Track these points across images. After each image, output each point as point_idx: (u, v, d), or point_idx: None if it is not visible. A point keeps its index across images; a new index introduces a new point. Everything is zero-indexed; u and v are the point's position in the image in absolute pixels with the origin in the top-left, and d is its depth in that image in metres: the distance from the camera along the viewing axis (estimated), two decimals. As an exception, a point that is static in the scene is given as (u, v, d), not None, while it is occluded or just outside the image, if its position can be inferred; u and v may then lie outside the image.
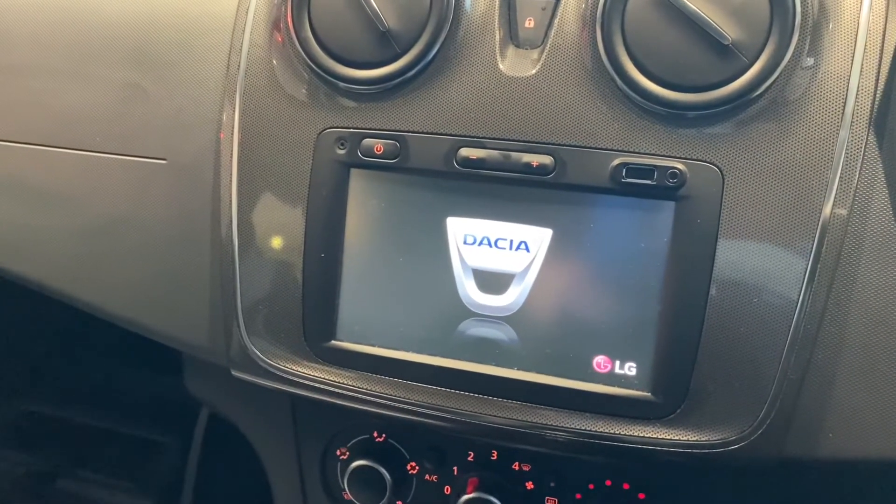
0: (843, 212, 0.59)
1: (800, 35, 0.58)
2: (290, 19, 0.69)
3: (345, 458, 0.84)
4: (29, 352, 1.46)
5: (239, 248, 0.72)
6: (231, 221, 0.72)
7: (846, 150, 0.59)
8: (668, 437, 0.63)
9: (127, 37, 0.78)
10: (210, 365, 0.79)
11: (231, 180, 0.72)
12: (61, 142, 0.80)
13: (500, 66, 0.65)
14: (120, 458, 1.37)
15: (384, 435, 0.82)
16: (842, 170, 0.59)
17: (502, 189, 0.65)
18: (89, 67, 0.79)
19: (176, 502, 1.25)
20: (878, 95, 0.59)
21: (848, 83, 0.59)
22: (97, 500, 1.31)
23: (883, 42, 0.59)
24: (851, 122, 0.58)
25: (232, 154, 0.72)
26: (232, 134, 0.72)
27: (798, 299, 0.60)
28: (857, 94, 0.58)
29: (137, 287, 0.80)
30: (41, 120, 0.81)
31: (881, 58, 0.59)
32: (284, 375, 0.72)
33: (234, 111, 0.72)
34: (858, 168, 0.59)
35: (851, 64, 0.59)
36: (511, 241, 0.66)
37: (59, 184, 0.80)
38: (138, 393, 1.46)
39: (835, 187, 0.59)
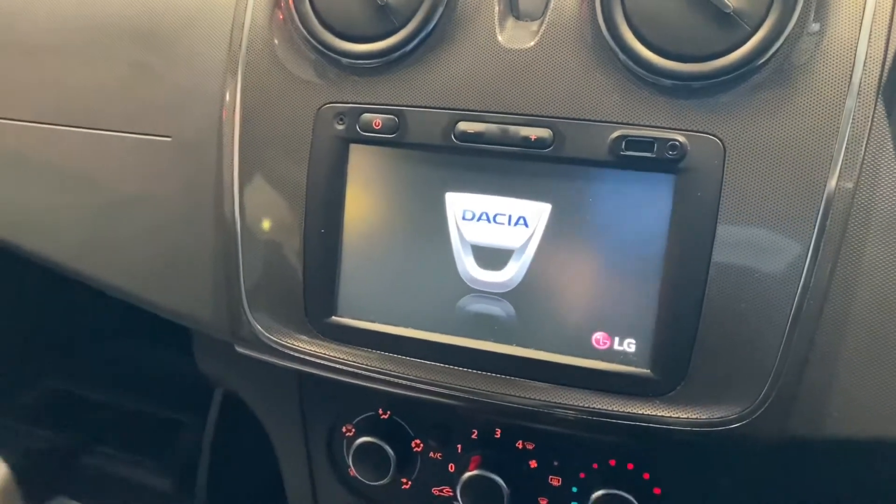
0: (849, 185, 0.57)
1: (805, 0, 0.57)
2: (289, -6, 0.69)
3: (350, 434, 0.84)
4: (54, 331, 1.49)
5: (241, 224, 0.73)
6: (233, 198, 0.73)
7: (853, 120, 0.57)
8: (668, 415, 0.62)
9: (133, 15, 0.78)
10: (218, 342, 0.80)
11: (233, 157, 0.72)
12: (69, 120, 0.81)
13: (499, 39, 0.64)
14: (141, 435, 1.39)
15: (389, 412, 0.82)
16: (848, 141, 0.57)
17: (501, 163, 0.65)
18: (96, 46, 0.79)
19: (193, 479, 1.27)
20: (887, 63, 0.57)
21: (855, 50, 0.57)
22: (119, 477, 1.34)
23: (894, 7, 0.57)
24: (858, 91, 0.56)
25: (234, 131, 0.72)
26: (234, 111, 0.72)
27: (801, 276, 0.58)
28: (864, 62, 0.56)
29: (144, 263, 0.81)
30: (48, 99, 0.82)
31: (891, 24, 0.57)
32: (287, 351, 0.73)
33: (235, 88, 0.72)
34: (865, 139, 0.57)
35: (860, 30, 0.57)
36: (510, 217, 0.65)
37: (66, 161, 0.81)
38: (159, 372, 1.49)
39: (840, 159, 0.57)
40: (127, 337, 1.52)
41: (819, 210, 0.57)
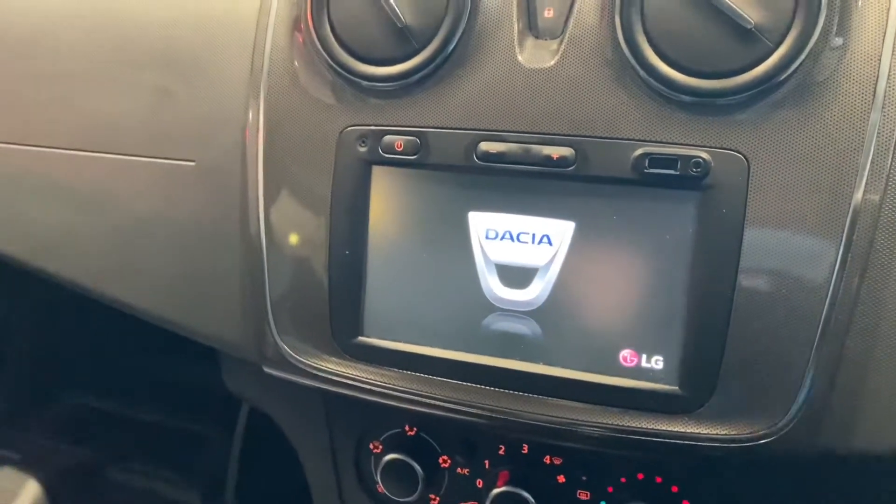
0: (875, 197, 0.57)
1: (827, 14, 0.56)
2: (309, 18, 0.69)
3: (378, 451, 0.85)
4: (80, 347, 1.51)
5: (267, 246, 0.73)
6: (258, 220, 0.73)
7: (878, 133, 0.56)
8: (697, 432, 0.62)
9: (154, 40, 0.79)
10: (244, 361, 0.81)
11: (257, 180, 0.73)
12: (93, 146, 0.82)
13: (519, 58, 0.64)
14: (167, 450, 1.41)
15: (415, 429, 0.82)
16: (873, 154, 0.56)
17: (524, 182, 0.65)
18: (119, 72, 0.81)
19: (220, 494, 1.28)
20: (911, 76, 0.56)
21: (879, 64, 0.56)
22: (145, 491, 1.35)
23: (917, 20, 0.56)
24: (883, 104, 0.56)
25: (258, 154, 0.73)
26: (257, 134, 0.73)
27: (829, 289, 0.58)
28: (888, 75, 0.56)
29: (170, 286, 0.82)
30: (73, 124, 0.83)
31: (915, 36, 0.56)
32: (314, 372, 0.73)
33: (258, 112, 0.73)
34: (891, 152, 0.56)
35: (883, 43, 0.56)
36: (533, 235, 0.65)
37: (91, 186, 0.83)
38: (185, 386, 1.50)
39: (866, 172, 0.57)
40: (152, 351, 1.54)
41: (846, 223, 0.57)
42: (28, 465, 1.30)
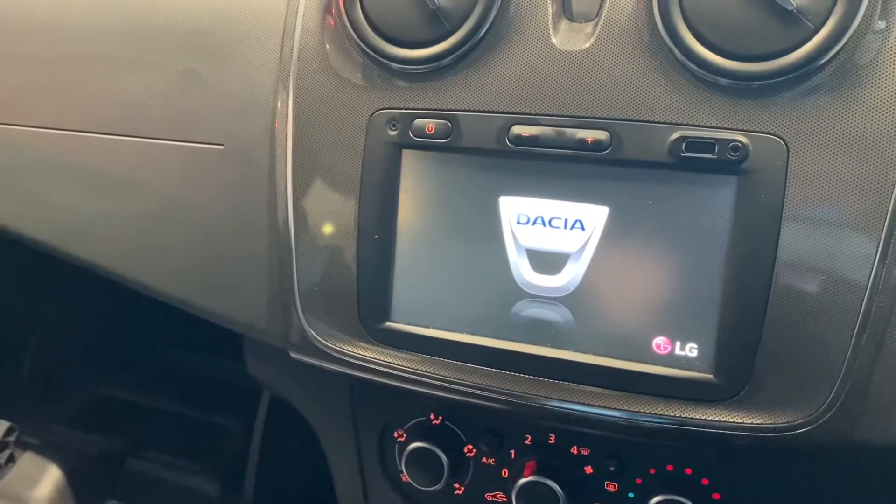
0: (919, 184, 0.56)
1: (871, -3, 0.55)
2: (341, 1, 0.69)
3: (402, 440, 0.84)
4: (104, 338, 1.51)
5: (295, 231, 0.73)
6: (287, 205, 0.73)
7: (921, 117, 0.55)
8: (732, 420, 0.61)
9: (183, 24, 0.79)
10: (268, 347, 0.80)
11: (286, 164, 0.73)
12: (121, 129, 0.82)
13: (553, 41, 0.63)
14: (187, 440, 1.41)
15: (441, 417, 0.82)
16: (917, 138, 0.55)
17: (556, 167, 0.64)
18: (147, 55, 0.80)
19: (240, 483, 1.28)
20: (956, 59, 0.55)
21: (923, 47, 0.55)
22: (165, 481, 1.36)
23: (962, 2, 0.55)
24: (927, 89, 0.55)
25: (287, 138, 0.73)
26: (286, 118, 0.72)
27: (870, 276, 0.57)
28: (933, 59, 0.55)
29: (197, 270, 0.81)
30: (102, 108, 0.83)
31: (960, 19, 0.55)
32: (341, 357, 0.73)
33: (287, 96, 0.72)
34: (935, 137, 0.55)
35: (928, 26, 0.55)
36: (566, 220, 0.64)
37: (119, 170, 0.82)
38: (205, 377, 1.50)
39: (909, 158, 0.56)
40: (174, 342, 1.54)
41: (888, 210, 0.56)
42: (50, 451, 1.31)
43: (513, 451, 0.80)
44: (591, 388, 0.65)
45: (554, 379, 0.66)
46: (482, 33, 0.65)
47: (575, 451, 0.77)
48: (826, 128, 0.57)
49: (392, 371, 0.71)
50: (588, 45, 0.62)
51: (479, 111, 0.66)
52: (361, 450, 0.89)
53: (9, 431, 1.32)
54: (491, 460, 0.81)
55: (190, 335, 1.49)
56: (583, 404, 0.65)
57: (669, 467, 0.74)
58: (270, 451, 1.27)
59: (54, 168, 0.87)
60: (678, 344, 0.62)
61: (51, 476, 1.27)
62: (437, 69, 0.67)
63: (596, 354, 0.65)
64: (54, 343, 1.42)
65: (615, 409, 0.64)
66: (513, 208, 0.66)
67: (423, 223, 0.69)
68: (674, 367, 0.63)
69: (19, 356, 1.38)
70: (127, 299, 0.92)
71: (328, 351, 0.73)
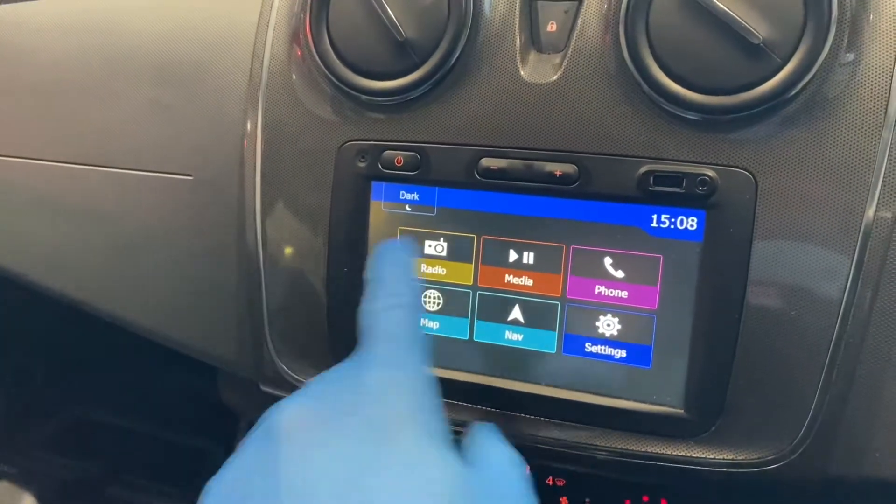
0: (888, 215, 0.55)
1: (837, 29, 0.55)
2: (308, 32, 0.68)
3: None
4: (80, 360, 1.49)
5: (264, 262, 0.72)
6: (256, 237, 0.72)
7: (889, 150, 0.55)
8: (703, 456, 0.61)
9: (151, 54, 0.78)
10: (241, 378, 0.79)
11: (255, 195, 0.72)
12: (88, 159, 0.81)
13: (522, 73, 0.63)
14: (166, 464, 1.39)
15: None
16: (885, 172, 0.55)
17: (525, 203, 0.63)
18: (115, 85, 0.79)
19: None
20: (923, 92, 0.55)
21: (891, 80, 0.55)
22: (144, 506, 1.34)
23: (929, 35, 0.55)
24: (895, 121, 0.55)
25: (255, 169, 0.72)
26: (255, 148, 0.72)
27: (840, 310, 0.56)
28: (901, 92, 0.55)
29: (167, 301, 0.80)
30: (69, 138, 0.82)
31: (927, 52, 0.55)
32: (311, 390, 0.72)
33: (256, 126, 0.71)
34: (904, 170, 0.55)
35: (895, 59, 0.55)
36: (533, 255, 0.64)
37: (87, 200, 0.81)
38: (184, 401, 1.48)
39: (878, 191, 0.55)
40: (153, 366, 1.52)
41: (857, 242, 0.56)
42: (25, 478, 1.29)
43: (488, 483, 0.79)
44: (561, 423, 0.64)
45: (524, 413, 0.65)
46: (450, 65, 0.64)
47: (550, 483, 0.76)
48: (794, 161, 0.57)
49: (363, 404, 0.70)
50: (556, 77, 0.62)
51: (447, 143, 0.65)
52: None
53: (-19, 459, 1.30)
54: (466, 491, 0.80)
55: (169, 358, 1.47)
56: (553, 440, 0.64)
57: (645, 498, 0.74)
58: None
59: (21, 197, 0.85)
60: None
61: (26, 504, 1.25)
62: (405, 101, 0.66)
63: (566, 388, 0.64)
64: (30, 368, 1.40)
65: (586, 444, 0.63)
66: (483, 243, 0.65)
67: (393, 255, 0.68)
68: (644, 401, 0.62)
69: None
70: (103, 322, 0.91)
71: (298, 385, 0.72)
